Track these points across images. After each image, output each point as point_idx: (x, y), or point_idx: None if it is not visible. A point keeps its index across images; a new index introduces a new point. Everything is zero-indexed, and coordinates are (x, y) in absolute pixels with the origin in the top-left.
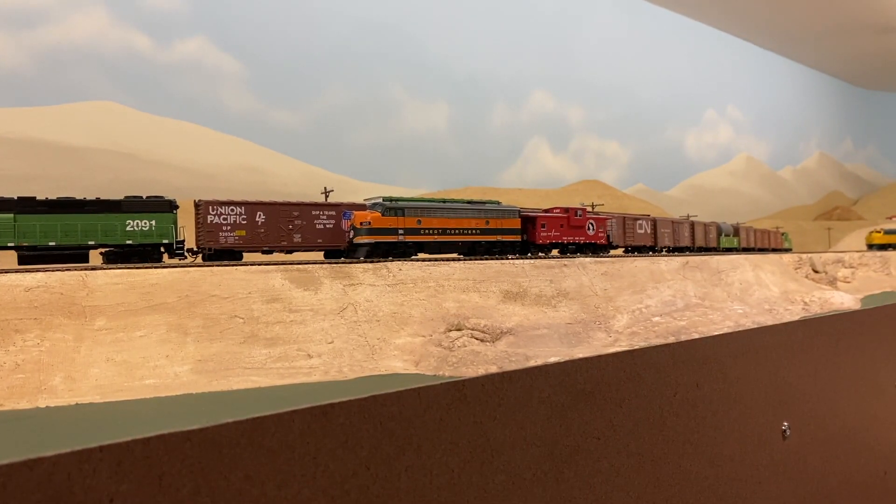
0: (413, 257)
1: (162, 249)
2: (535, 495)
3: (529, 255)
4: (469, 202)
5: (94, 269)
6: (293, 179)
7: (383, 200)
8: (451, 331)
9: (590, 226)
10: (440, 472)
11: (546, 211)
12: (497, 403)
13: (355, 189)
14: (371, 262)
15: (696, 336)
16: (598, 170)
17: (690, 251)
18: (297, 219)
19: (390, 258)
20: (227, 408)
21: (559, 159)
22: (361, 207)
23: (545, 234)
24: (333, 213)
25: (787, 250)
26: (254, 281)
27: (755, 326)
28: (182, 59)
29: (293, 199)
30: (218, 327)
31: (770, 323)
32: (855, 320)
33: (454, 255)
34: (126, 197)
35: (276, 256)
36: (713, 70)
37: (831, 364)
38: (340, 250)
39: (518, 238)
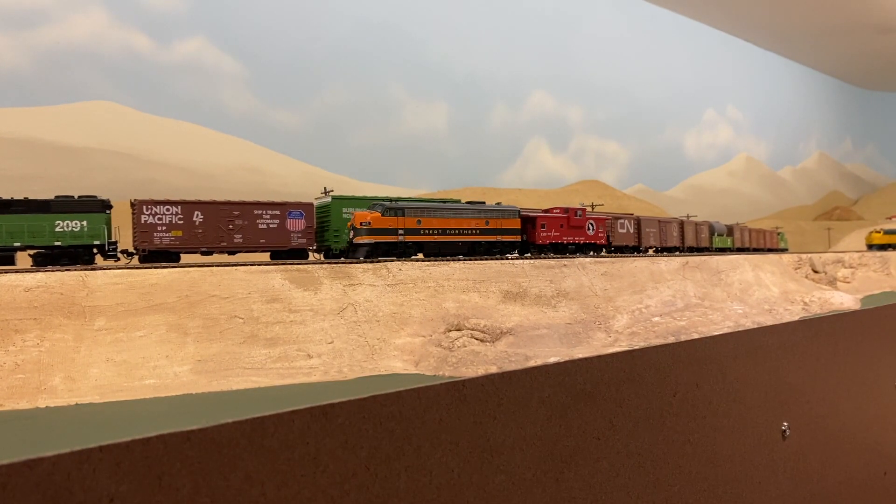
0: (413, 257)
1: (95, 251)
2: (535, 495)
3: (529, 255)
4: (469, 202)
5: (93, 269)
6: (293, 179)
7: (383, 200)
8: (450, 331)
9: (589, 226)
10: (440, 472)
11: (546, 211)
12: (497, 403)
13: (355, 189)
14: (371, 262)
15: (696, 336)
16: (597, 170)
17: (680, 251)
18: (238, 218)
19: (390, 258)
20: (227, 408)
21: (559, 159)
22: (308, 206)
23: (545, 234)
24: (278, 212)
25: (784, 250)
26: (254, 281)
27: (755, 326)
28: (182, 59)
29: (235, 199)
30: (218, 327)
31: (770, 323)
32: (855, 320)
33: (454, 256)
34: (56, 196)
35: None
36: (713, 70)
37: (831, 364)
38: (285, 251)
39: (518, 238)
